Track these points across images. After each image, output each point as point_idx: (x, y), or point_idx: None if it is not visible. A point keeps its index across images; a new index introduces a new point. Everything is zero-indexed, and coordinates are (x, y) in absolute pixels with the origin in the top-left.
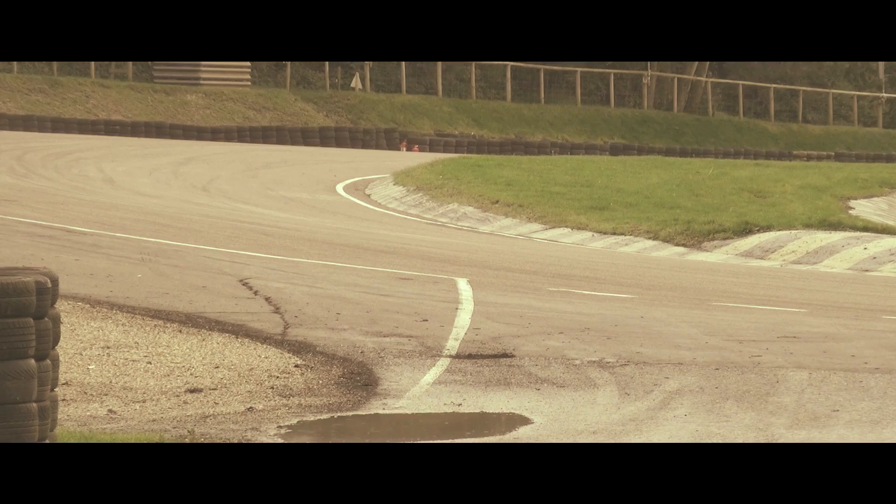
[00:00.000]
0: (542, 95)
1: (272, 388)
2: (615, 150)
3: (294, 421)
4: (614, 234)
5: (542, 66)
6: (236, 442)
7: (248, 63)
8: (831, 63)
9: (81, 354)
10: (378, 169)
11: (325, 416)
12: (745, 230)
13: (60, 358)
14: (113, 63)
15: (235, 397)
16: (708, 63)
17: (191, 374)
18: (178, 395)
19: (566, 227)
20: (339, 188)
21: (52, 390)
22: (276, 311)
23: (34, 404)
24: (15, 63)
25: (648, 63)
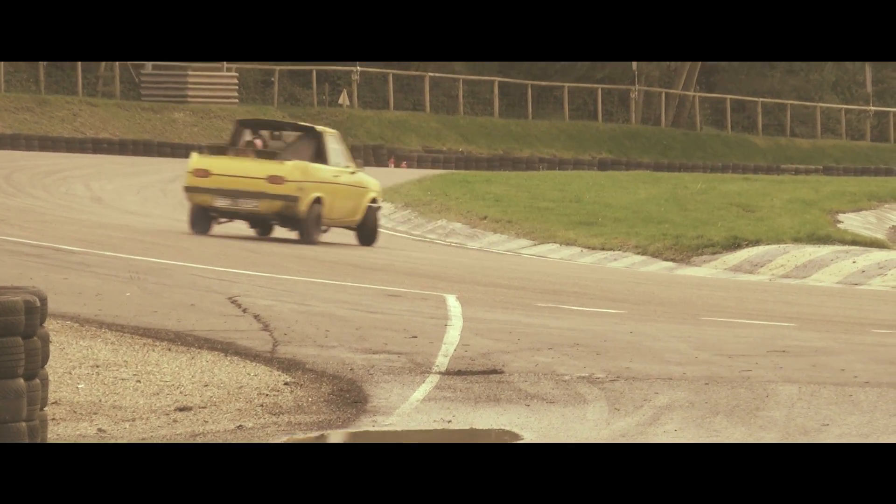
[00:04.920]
0: (530, 111)
1: (262, 405)
2: (603, 166)
3: (284, 438)
4: (603, 249)
5: (530, 82)
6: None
7: (235, 80)
8: (818, 76)
9: (70, 373)
10: None
11: (314, 434)
12: (734, 244)
13: (49, 377)
14: (100, 81)
15: (225, 415)
16: (696, 77)
17: (180, 393)
18: (167, 414)
19: (555, 242)
20: None
21: (41, 409)
22: (265, 328)
23: (23, 423)
24: (2, 81)
25: (636, 78)
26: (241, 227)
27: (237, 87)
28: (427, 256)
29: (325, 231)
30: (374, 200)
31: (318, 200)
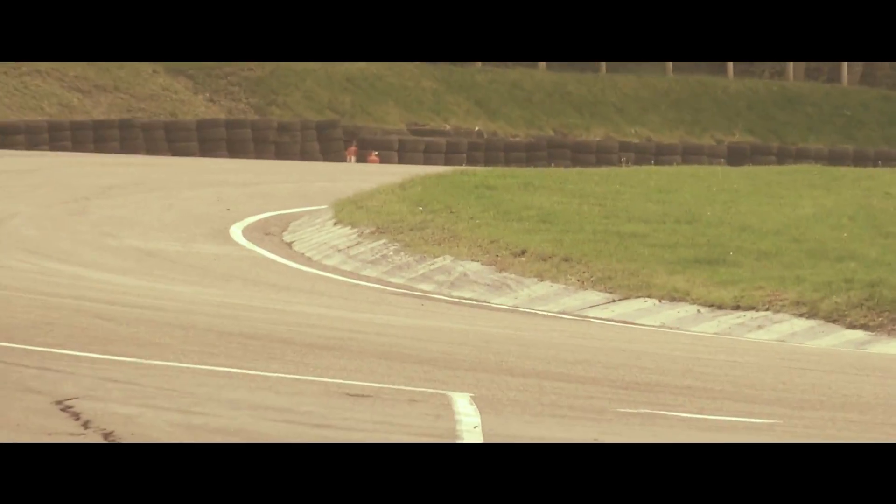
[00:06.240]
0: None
1: None
2: (737, 156)
3: None
4: (738, 308)
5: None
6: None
7: None
8: None
9: None
10: (305, 195)
11: None
12: None
13: None
14: None
15: None
16: None
17: None
18: None
19: (650, 296)
20: (236, 231)
21: None
22: None
23: None
24: None
25: None
26: (78, 270)
27: None
28: (417, 323)
29: None
30: None
31: None
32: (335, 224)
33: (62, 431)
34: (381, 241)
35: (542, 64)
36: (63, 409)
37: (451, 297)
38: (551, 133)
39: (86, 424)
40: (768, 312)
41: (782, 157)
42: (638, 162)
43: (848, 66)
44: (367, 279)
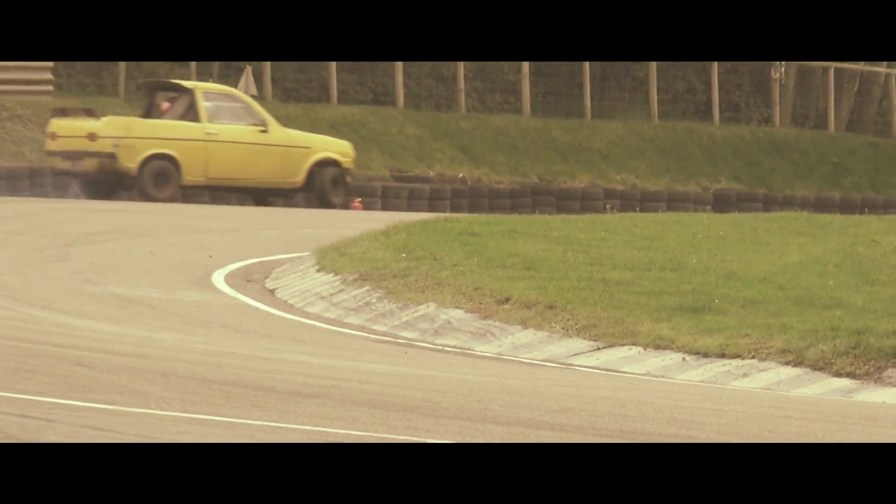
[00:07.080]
0: (588, 105)
1: None
2: (723, 203)
3: None
4: (723, 355)
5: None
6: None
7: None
8: None
9: None
10: (287, 242)
11: None
12: None
13: None
14: None
15: None
16: None
17: None
18: None
19: (634, 344)
20: (219, 278)
21: None
22: None
23: None
24: None
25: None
26: (58, 317)
27: (51, 68)
28: (401, 371)
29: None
30: (331, 162)
31: (163, 157)
32: (318, 271)
33: None
34: (365, 289)
35: (527, 110)
36: None
37: (435, 344)
38: (536, 180)
39: None
40: (754, 360)
41: (768, 204)
42: (623, 209)
43: (835, 113)
44: (350, 327)
